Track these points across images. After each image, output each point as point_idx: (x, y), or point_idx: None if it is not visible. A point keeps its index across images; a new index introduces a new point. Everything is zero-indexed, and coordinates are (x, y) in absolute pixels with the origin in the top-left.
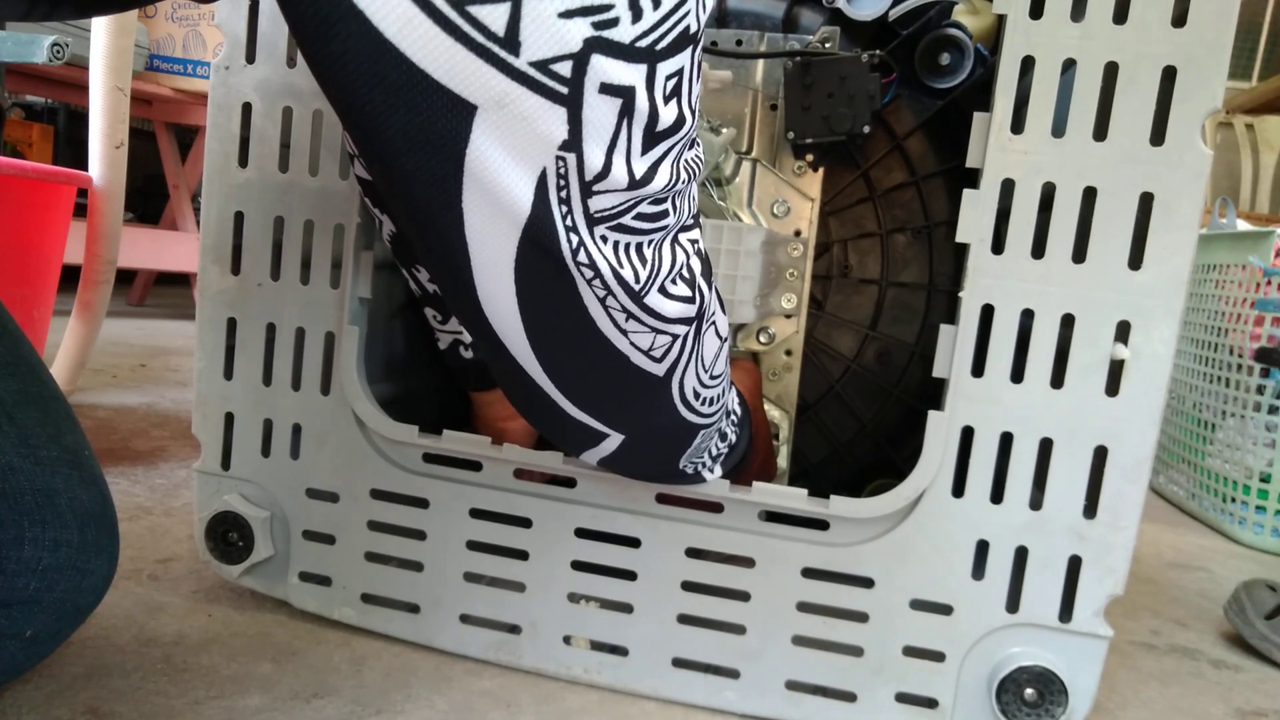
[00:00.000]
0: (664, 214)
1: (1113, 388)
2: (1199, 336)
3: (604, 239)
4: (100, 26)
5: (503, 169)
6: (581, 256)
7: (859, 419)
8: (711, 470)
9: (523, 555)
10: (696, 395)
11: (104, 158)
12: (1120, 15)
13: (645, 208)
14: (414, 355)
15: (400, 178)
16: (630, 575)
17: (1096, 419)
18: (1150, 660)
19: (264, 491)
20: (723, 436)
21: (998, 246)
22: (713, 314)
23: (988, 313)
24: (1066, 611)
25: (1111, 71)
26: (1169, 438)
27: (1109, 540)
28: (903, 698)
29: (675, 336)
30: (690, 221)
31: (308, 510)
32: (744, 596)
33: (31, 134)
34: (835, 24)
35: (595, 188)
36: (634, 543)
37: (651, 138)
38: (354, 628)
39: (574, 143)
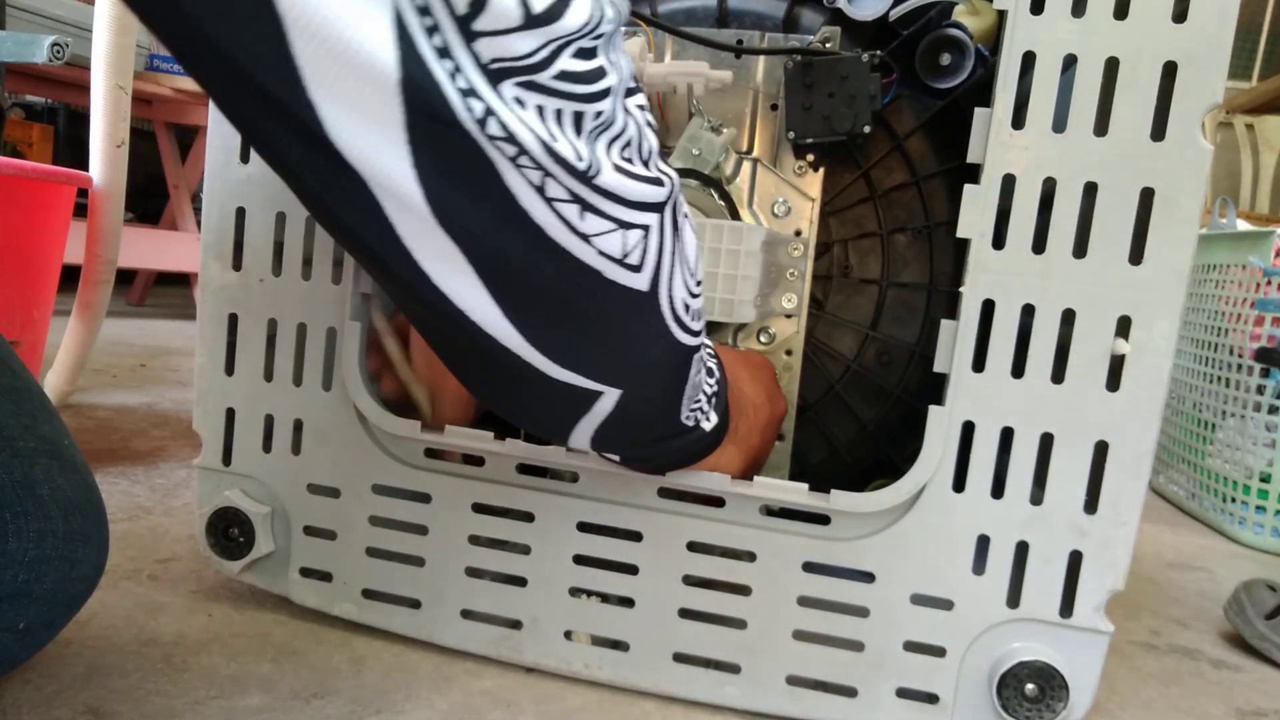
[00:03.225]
0: (599, 73)
1: (1113, 383)
2: (1199, 336)
3: (520, 102)
4: (102, 25)
5: (337, 12)
6: (493, 128)
7: (859, 419)
8: (709, 416)
9: (525, 550)
10: (687, 308)
11: (104, 157)
12: (1121, 11)
13: (571, 62)
14: None
15: (235, 95)
16: (632, 569)
17: (1097, 414)
18: (1150, 660)
19: (265, 487)
20: (710, 372)
21: (998, 242)
22: (683, 202)
23: (988, 308)
24: (1067, 607)
25: (1112, 67)
26: (1169, 438)
27: (1110, 535)
28: (903, 693)
29: (647, 229)
30: (632, 84)
31: (309, 506)
32: (745, 591)
33: (31, 134)
34: (836, 24)
35: (475, 26)
36: (636, 536)
37: None
38: (354, 628)
39: None
